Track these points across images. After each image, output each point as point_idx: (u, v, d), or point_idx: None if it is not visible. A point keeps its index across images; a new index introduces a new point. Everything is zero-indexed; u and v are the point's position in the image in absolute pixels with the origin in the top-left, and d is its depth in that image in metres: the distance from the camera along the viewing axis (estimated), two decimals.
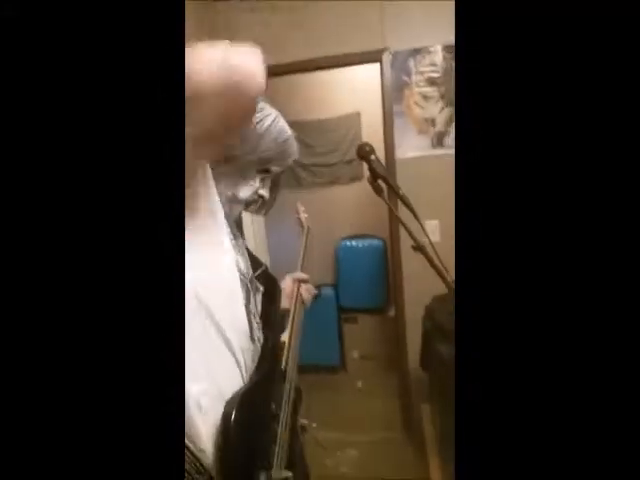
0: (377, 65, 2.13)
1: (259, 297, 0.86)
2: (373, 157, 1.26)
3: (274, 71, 1.75)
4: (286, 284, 1.09)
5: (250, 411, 0.73)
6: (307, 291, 1.13)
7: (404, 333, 2.35)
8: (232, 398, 0.71)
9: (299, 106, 3.26)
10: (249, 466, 0.73)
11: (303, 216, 1.21)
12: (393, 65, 2.09)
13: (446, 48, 2.04)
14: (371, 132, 2.98)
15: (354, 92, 3.25)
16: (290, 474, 0.77)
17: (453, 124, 2.10)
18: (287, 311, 1.01)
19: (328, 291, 3.31)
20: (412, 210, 1.26)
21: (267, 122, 0.91)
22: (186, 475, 0.67)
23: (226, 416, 0.69)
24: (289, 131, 0.98)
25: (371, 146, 1.29)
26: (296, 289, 1.05)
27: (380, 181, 1.27)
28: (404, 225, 1.30)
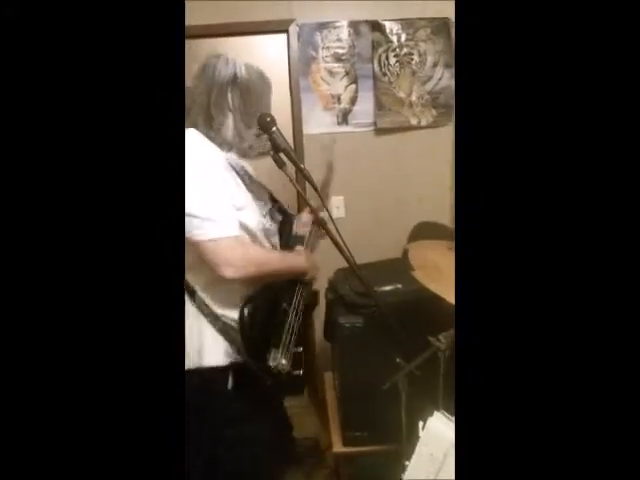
0: (284, 37, 2.09)
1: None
2: (274, 129, 1.24)
3: None
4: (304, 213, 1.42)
5: (263, 306, 1.13)
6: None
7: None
8: (250, 296, 1.11)
9: None
10: (264, 343, 1.13)
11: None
12: (300, 38, 2.06)
13: (351, 24, 2.05)
14: (280, 106, 2.93)
15: (264, 64, 3.16)
16: (301, 349, 1.19)
17: (357, 102, 2.14)
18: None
19: None
20: (313, 184, 1.27)
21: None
22: (225, 344, 1.10)
23: (241, 309, 1.08)
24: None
25: (272, 117, 1.27)
26: (314, 216, 1.30)
27: (282, 154, 1.26)
28: (305, 199, 1.31)
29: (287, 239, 1.32)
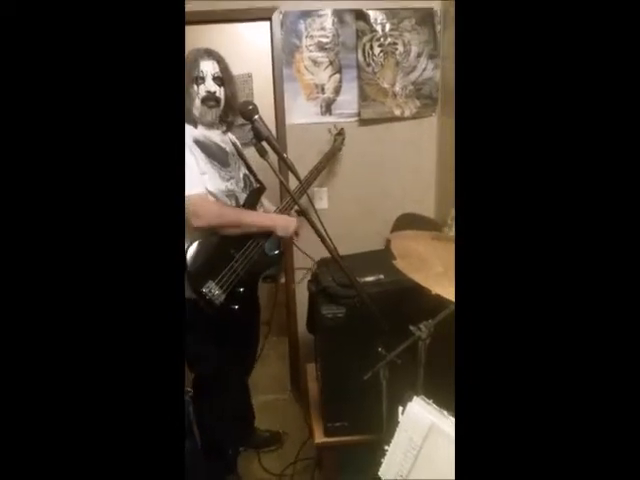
0: (267, 24, 2.06)
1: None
2: (256, 117, 1.23)
3: None
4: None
5: (209, 247, 1.43)
6: None
7: (294, 298, 2.40)
8: (202, 238, 1.44)
9: None
10: (204, 275, 1.41)
11: None
12: (283, 26, 2.03)
13: (335, 12, 2.03)
14: (263, 96, 2.89)
15: (246, 53, 3.12)
16: (242, 289, 1.49)
17: (341, 92, 2.12)
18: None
19: None
20: (295, 173, 1.26)
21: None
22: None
23: (189, 246, 1.41)
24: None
25: (254, 105, 1.25)
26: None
27: (265, 143, 1.24)
28: (287, 188, 1.30)
29: (251, 203, 1.58)
